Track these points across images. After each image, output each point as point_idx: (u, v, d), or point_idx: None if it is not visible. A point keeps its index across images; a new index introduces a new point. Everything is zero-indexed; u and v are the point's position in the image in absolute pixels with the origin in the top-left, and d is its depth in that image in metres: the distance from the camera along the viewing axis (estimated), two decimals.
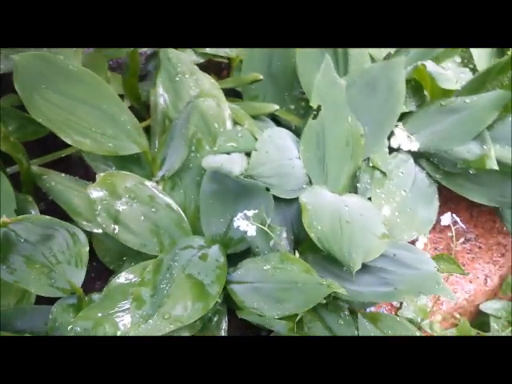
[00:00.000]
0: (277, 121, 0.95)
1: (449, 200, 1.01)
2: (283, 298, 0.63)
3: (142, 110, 0.98)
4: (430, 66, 0.79)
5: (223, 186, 0.74)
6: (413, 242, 0.95)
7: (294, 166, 0.74)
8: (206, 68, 1.13)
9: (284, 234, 0.66)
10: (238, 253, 0.77)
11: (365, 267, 0.67)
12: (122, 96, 1.03)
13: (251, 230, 0.63)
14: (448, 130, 0.80)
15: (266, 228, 0.65)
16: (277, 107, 0.84)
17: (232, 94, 1.05)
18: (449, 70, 0.95)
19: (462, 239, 1.03)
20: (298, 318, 0.61)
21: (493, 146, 0.76)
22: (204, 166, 0.73)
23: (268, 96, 0.93)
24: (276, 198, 0.76)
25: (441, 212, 1.05)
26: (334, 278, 0.68)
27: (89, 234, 0.90)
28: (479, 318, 1.01)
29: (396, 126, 0.85)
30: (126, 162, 0.89)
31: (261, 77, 0.87)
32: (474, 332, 0.93)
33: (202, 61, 0.98)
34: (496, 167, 0.74)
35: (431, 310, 0.91)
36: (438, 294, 0.63)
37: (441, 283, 0.61)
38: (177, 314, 0.60)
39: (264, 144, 0.71)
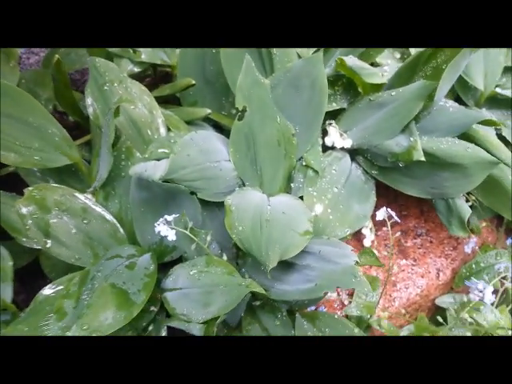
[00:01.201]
0: (218, 126, 0.95)
1: (398, 196, 1.01)
2: (208, 302, 0.62)
3: (86, 124, 0.98)
4: (350, 60, 0.79)
5: (152, 193, 0.73)
6: (360, 239, 0.95)
7: (221, 169, 0.73)
8: (158, 78, 1.14)
9: (209, 237, 0.65)
10: (175, 260, 0.76)
11: (293, 266, 0.67)
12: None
13: (171, 234, 0.62)
14: (377, 125, 0.80)
15: (187, 232, 0.64)
16: (209, 111, 0.84)
17: (176, 102, 1.05)
18: (387, 65, 0.96)
19: (412, 234, 1.04)
20: (218, 320, 0.60)
21: (421, 137, 0.76)
22: (130, 173, 0.72)
23: (206, 101, 0.93)
24: (214, 203, 0.76)
25: (390, 208, 1.06)
26: (266, 278, 0.68)
27: (37, 251, 0.89)
28: (438, 313, 1.00)
29: (330, 124, 0.85)
30: (63, 176, 0.88)
31: (193, 82, 0.87)
32: (431, 328, 0.93)
33: (138, 70, 0.98)
34: (422, 158, 0.73)
35: (382, 306, 0.90)
36: (355, 287, 0.62)
37: (358, 276, 0.60)
38: (96, 325, 0.59)
39: (185, 147, 0.71)
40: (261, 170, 0.79)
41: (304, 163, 0.80)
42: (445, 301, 0.98)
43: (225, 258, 0.67)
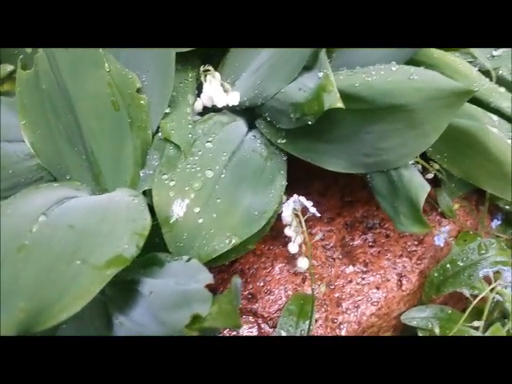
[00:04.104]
0: None
1: (340, 175, 0.71)
2: None
3: None
4: None
5: None
6: (285, 244, 0.66)
7: None
8: None
9: None
10: None
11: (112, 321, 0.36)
12: None
13: None
14: (271, 62, 0.49)
15: None
16: None
17: None
18: None
19: (361, 227, 0.75)
20: None
21: (338, 72, 0.45)
22: None
23: None
24: None
25: (330, 193, 0.77)
26: None
27: None
28: (406, 333, 0.72)
29: (206, 71, 0.54)
30: None
31: None
32: None
33: None
34: (340, 104, 0.41)
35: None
36: None
37: None
38: None
39: None
40: (92, 153, 0.48)
41: (163, 136, 0.50)
42: (414, 316, 0.69)
43: None
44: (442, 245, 0.69)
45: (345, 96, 0.42)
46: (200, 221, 0.45)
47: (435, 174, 0.60)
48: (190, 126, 0.50)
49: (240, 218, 0.46)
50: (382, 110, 0.42)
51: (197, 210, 0.45)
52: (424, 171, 0.53)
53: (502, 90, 0.48)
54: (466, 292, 0.56)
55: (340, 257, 0.68)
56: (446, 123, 0.41)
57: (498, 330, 0.63)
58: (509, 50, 0.62)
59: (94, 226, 0.35)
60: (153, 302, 0.33)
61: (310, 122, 0.45)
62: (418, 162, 0.50)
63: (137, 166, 0.50)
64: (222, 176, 0.48)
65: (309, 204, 0.49)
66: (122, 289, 0.38)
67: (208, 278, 0.34)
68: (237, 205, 0.46)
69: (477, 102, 0.47)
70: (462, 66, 0.46)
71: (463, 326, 0.59)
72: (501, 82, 0.59)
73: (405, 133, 0.42)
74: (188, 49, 0.53)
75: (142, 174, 0.48)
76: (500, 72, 0.59)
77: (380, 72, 0.42)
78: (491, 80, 0.49)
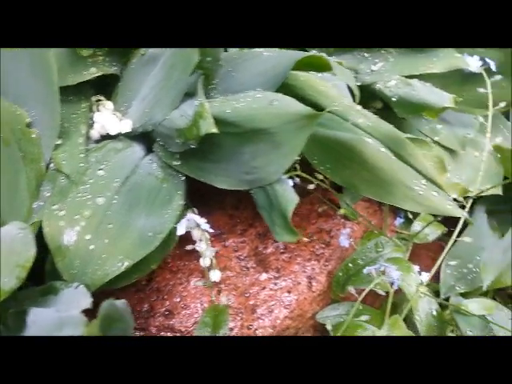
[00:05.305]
0: None
1: None
2: None
3: None
4: None
5: None
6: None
7: None
8: None
9: None
10: None
11: None
12: None
13: None
14: (154, 91, 0.52)
15: None
16: None
17: None
18: None
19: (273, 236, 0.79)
20: None
21: (214, 99, 0.49)
22: None
23: None
24: None
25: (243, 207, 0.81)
26: None
27: None
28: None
29: (98, 101, 0.56)
30: None
31: None
32: None
33: None
34: (214, 129, 0.45)
35: None
36: None
37: None
38: None
39: None
40: None
41: (55, 167, 0.51)
42: (327, 315, 0.73)
43: None
44: (346, 246, 0.73)
45: (219, 121, 0.45)
46: (91, 247, 0.47)
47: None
48: (82, 156, 0.52)
49: (132, 241, 0.48)
50: (250, 133, 0.46)
51: (88, 236, 0.47)
52: (308, 182, 0.57)
53: (359, 107, 0.54)
54: (353, 290, 0.61)
55: (254, 265, 0.71)
56: (302, 143, 0.45)
57: (396, 321, 0.69)
58: (386, 65, 0.68)
59: None
60: (33, 332, 0.35)
61: (193, 146, 0.48)
62: (298, 176, 0.54)
63: (32, 198, 0.51)
64: (114, 202, 0.50)
65: (202, 221, 0.52)
66: (16, 319, 0.39)
67: (87, 303, 0.36)
68: (129, 228, 0.49)
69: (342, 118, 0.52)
70: (323, 88, 0.51)
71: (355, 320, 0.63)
72: (378, 95, 0.66)
73: (269, 153, 0.46)
74: (79, 80, 0.55)
75: (35, 206, 0.49)
76: (378, 86, 0.65)
77: (247, 99, 0.46)
78: (353, 95, 0.54)
